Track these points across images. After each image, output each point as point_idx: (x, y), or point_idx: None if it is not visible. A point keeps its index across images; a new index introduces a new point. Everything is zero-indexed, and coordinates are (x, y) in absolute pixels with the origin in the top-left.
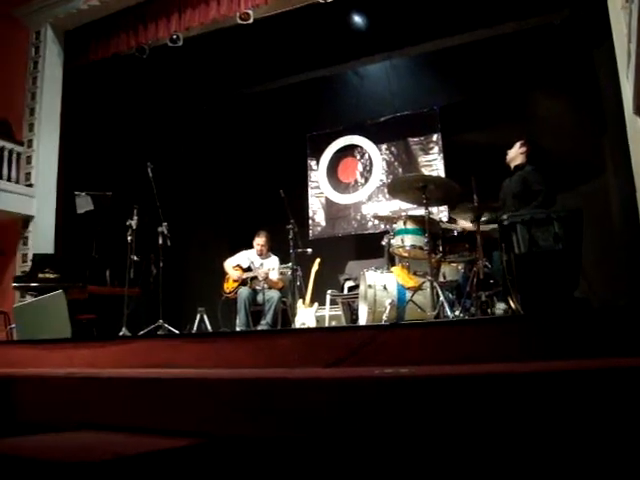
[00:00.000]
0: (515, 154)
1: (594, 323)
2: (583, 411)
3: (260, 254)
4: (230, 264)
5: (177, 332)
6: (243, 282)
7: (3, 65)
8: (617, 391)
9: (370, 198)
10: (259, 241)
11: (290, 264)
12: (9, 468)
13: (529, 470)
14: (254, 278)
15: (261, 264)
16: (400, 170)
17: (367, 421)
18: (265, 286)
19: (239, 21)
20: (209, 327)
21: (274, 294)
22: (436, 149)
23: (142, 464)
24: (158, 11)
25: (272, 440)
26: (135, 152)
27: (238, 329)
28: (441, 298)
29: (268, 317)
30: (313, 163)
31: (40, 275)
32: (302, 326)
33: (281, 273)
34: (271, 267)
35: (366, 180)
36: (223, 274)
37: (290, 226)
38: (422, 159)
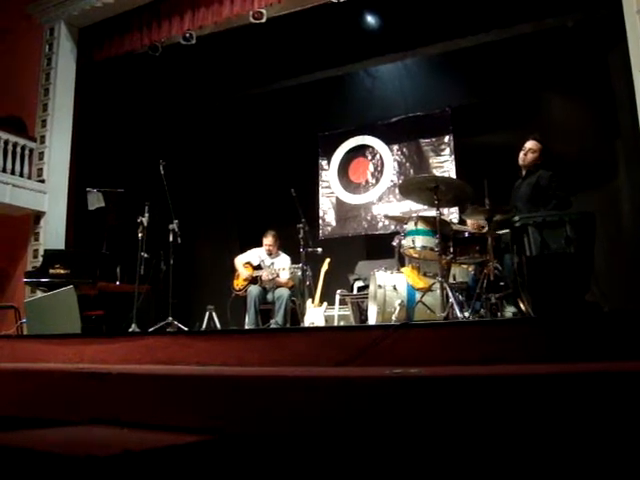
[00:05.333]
0: (533, 159)
1: (605, 327)
2: (593, 414)
3: (269, 254)
4: (241, 261)
5: (186, 329)
6: (253, 280)
7: (17, 61)
8: (628, 394)
9: (381, 199)
10: (266, 241)
11: (300, 265)
12: (18, 461)
13: (538, 471)
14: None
15: (272, 263)
16: (411, 171)
17: (376, 420)
18: (273, 285)
19: (252, 20)
20: (218, 325)
21: (284, 292)
22: (447, 150)
23: (151, 459)
24: (172, 9)
25: (281, 438)
26: (147, 149)
27: (247, 327)
28: (451, 299)
29: (278, 317)
30: (324, 163)
31: (51, 271)
32: (311, 325)
33: (292, 273)
34: (281, 267)
35: (377, 181)
36: (233, 271)
37: (300, 225)
38: (433, 160)
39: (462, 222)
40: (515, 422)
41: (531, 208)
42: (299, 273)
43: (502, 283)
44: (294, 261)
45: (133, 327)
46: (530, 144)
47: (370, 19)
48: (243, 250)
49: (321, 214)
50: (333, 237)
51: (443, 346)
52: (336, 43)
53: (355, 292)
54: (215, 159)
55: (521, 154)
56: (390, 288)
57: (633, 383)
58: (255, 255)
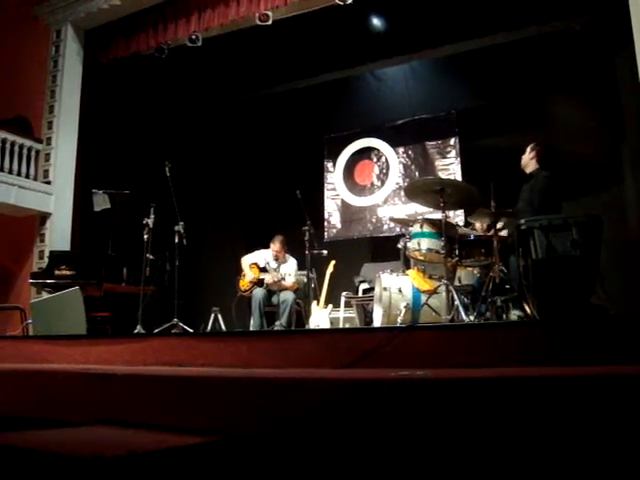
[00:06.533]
0: (526, 160)
1: (611, 330)
2: (599, 417)
3: (276, 259)
4: (247, 262)
5: (191, 331)
6: (259, 282)
7: (23, 63)
8: (633, 398)
9: (386, 201)
10: (274, 247)
11: (306, 272)
12: (24, 461)
13: (542, 473)
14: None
15: (278, 267)
16: (417, 174)
17: (381, 422)
18: (279, 288)
19: (258, 22)
20: (223, 327)
21: (289, 295)
22: (453, 153)
23: (156, 460)
24: (178, 11)
25: (286, 439)
26: (153, 151)
27: (252, 330)
28: (456, 302)
29: (283, 319)
30: (330, 165)
31: (56, 272)
32: (316, 328)
33: (297, 277)
34: (287, 272)
35: (382, 183)
36: (239, 272)
37: (306, 227)
38: (439, 163)
39: (468, 225)
40: (520, 425)
41: (531, 210)
42: (305, 280)
43: (507, 286)
44: (299, 263)
45: (138, 328)
46: (528, 148)
47: (376, 21)
48: (248, 252)
49: (326, 216)
50: (338, 239)
51: (448, 349)
52: (342, 45)
53: (360, 294)
54: (221, 161)
55: (522, 159)
56: (395, 290)
57: (638, 386)
58: (261, 257)
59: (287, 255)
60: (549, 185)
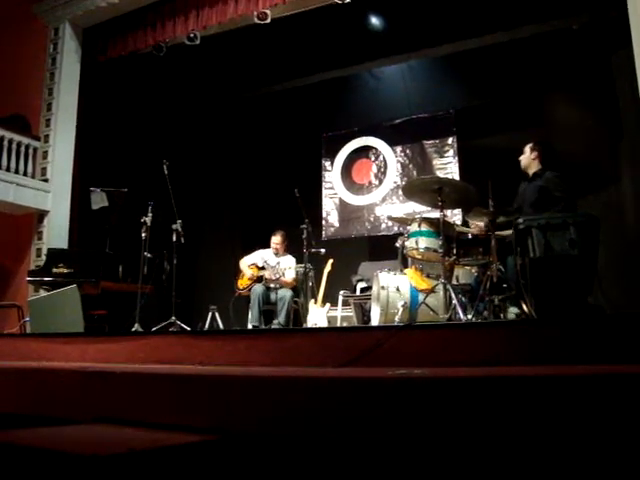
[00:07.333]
0: (528, 160)
1: (607, 330)
2: (595, 416)
3: (276, 253)
4: (246, 263)
5: (189, 329)
6: (258, 279)
7: (21, 61)
8: (629, 397)
9: (384, 200)
10: (275, 240)
11: (304, 266)
12: (24, 459)
13: (539, 472)
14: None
15: (277, 262)
16: (415, 173)
17: (379, 421)
18: (277, 285)
19: (257, 20)
20: (221, 325)
21: (286, 293)
22: (451, 152)
23: (155, 458)
24: (176, 9)
25: (283, 438)
26: (151, 149)
27: (250, 325)
28: (454, 301)
29: (281, 317)
30: (328, 164)
31: (54, 270)
32: (314, 326)
33: (296, 273)
34: (287, 266)
35: (380, 182)
36: (237, 271)
37: (304, 226)
38: (437, 162)
39: (465, 224)
40: (517, 423)
41: (536, 211)
42: (302, 272)
43: (505, 285)
44: (297, 261)
45: (136, 327)
46: (527, 149)
47: (374, 20)
48: (246, 250)
49: (324, 215)
50: (336, 238)
51: (446, 347)
52: (340, 44)
53: (358, 293)
54: (219, 159)
55: (521, 159)
56: (393, 289)
57: (635, 386)
58: (259, 257)
59: (285, 252)
60: (563, 183)
